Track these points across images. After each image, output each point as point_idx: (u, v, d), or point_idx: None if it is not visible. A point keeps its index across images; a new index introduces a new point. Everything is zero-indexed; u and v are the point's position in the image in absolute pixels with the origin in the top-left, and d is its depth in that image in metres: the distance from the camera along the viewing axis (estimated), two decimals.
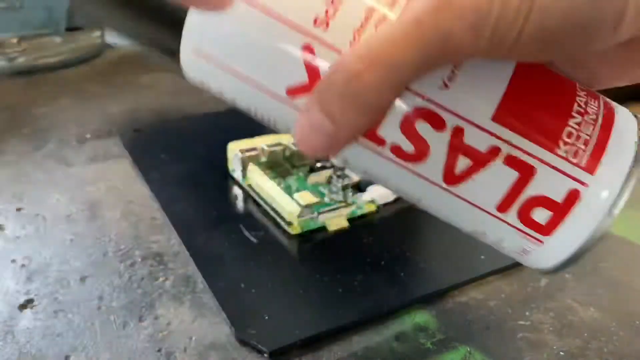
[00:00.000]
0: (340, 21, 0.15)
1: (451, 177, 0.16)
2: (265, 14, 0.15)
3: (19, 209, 0.33)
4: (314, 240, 0.30)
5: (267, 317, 0.24)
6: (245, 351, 0.23)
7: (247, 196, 0.34)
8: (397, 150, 0.16)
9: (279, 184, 0.34)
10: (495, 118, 0.15)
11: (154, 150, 0.40)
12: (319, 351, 0.23)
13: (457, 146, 0.15)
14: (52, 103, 0.50)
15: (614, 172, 0.15)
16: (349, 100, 0.14)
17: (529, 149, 0.15)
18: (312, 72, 0.15)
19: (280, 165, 0.36)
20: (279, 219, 0.31)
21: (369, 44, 0.14)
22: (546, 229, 0.16)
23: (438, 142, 0.15)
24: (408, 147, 0.15)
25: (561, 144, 0.15)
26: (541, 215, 0.15)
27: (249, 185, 0.34)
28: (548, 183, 0.15)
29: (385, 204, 0.33)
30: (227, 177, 0.36)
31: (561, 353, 0.23)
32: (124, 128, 0.44)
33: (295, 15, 0.15)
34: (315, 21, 0.15)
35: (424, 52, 0.13)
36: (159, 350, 0.23)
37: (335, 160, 0.36)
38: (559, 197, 0.15)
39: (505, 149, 0.15)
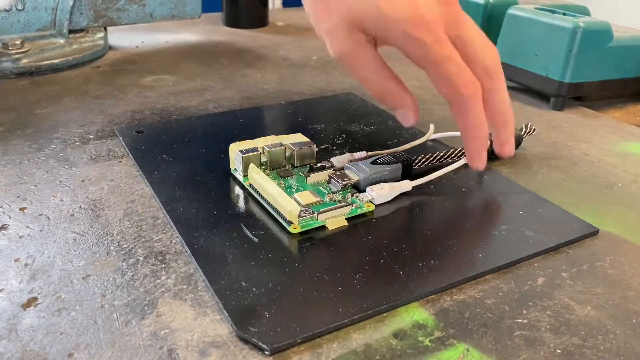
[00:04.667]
0: None
1: None
2: None
3: (22, 209, 0.33)
4: (314, 239, 0.30)
5: (267, 315, 0.25)
6: (246, 348, 0.23)
7: (247, 196, 0.35)
8: None
9: (279, 184, 0.34)
10: None
11: (156, 150, 0.40)
12: (318, 348, 0.24)
13: None
14: (56, 104, 0.50)
15: None
16: None
17: None
18: None
19: (281, 165, 0.37)
20: (279, 218, 0.31)
21: None
22: None
23: None
24: None
25: None
26: None
27: (250, 185, 0.35)
28: None
29: (384, 204, 0.34)
30: (228, 177, 0.37)
31: (558, 351, 0.24)
32: (126, 128, 0.44)
33: None
34: None
35: None
36: (161, 348, 0.23)
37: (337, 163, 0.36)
38: None
39: None
